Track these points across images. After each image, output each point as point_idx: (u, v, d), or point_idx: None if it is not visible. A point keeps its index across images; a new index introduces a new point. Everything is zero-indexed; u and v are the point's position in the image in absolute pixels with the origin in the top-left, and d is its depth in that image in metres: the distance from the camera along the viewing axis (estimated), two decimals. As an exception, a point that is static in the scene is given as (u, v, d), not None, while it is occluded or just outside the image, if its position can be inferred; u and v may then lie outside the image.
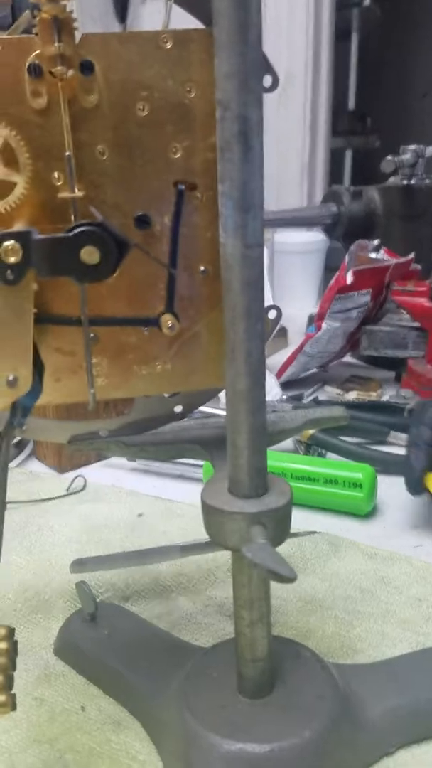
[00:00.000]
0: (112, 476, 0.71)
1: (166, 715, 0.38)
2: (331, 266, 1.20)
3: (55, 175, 0.30)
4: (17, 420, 0.29)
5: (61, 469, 0.72)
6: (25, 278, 0.26)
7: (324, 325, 0.83)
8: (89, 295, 0.31)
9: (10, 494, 0.66)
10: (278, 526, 0.32)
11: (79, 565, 0.54)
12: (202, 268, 0.33)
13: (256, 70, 0.26)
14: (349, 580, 0.53)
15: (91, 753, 0.38)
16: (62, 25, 0.28)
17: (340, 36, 1.99)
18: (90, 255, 0.26)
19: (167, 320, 0.33)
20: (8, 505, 0.64)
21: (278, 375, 0.89)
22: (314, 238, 1.22)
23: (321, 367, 0.93)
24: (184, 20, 0.31)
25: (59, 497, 0.66)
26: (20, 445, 0.77)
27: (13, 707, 0.30)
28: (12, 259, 0.25)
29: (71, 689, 0.43)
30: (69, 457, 0.73)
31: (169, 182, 0.31)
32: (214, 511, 0.32)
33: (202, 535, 0.58)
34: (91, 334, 0.33)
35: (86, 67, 0.28)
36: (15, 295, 0.27)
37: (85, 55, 0.29)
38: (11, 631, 0.33)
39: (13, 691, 0.30)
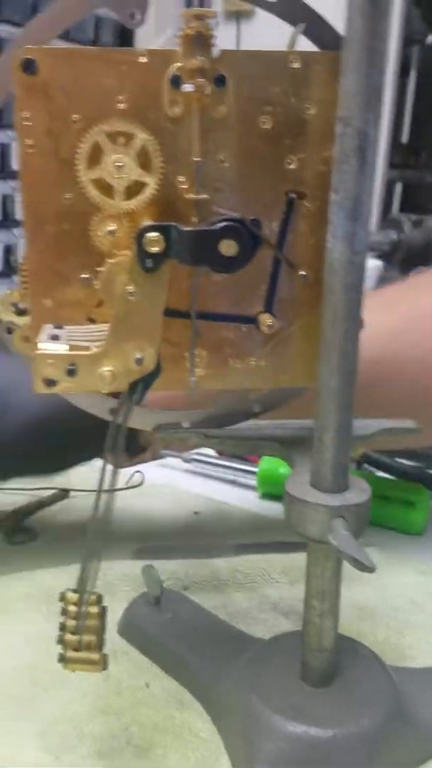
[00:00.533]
0: (168, 476, 0.73)
1: (228, 698, 0.40)
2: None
3: (181, 179, 0.33)
4: (138, 395, 0.31)
5: (121, 463, 0.74)
6: (163, 267, 0.29)
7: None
8: (198, 292, 0.34)
9: (74, 483, 0.69)
10: (358, 522, 0.34)
11: (139, 552, 0.56)
12: (302, 272, 0.35)
13: (378, 91, 0.29)
14: (400, 592, 0.54)
15: (155, 727, 0.40)
16: (203, 41, 0.31)
17: (399, 71, 2.03)
18: (228, 247, 0.29)
19: (266, 319, 0.35)
20: (72, 493, 0.67)
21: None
22: (369, 264, 1.24)
23: (372, 389, 0.95)
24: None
25: (119, 490, 0.68)
26: (81, 440, 0.79)
27: (105, 666, 0.32)
28: (154, 249, 0.28)
29: (135, 667, 0.45)
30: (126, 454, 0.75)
31: (282, 191, 0.34)
32: (298, 502, 0.34)
33: (257, 538, 0.60)
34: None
35: (220, 81, 0.31)
36: (152, 281, 0.29)
37: (220, 69, 0.31)
38: (100, 597, 0.35)
39: (104, 652, 0.33)
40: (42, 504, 0.65)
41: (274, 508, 0.66)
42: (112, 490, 0.69)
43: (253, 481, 0.70)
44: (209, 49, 0.31)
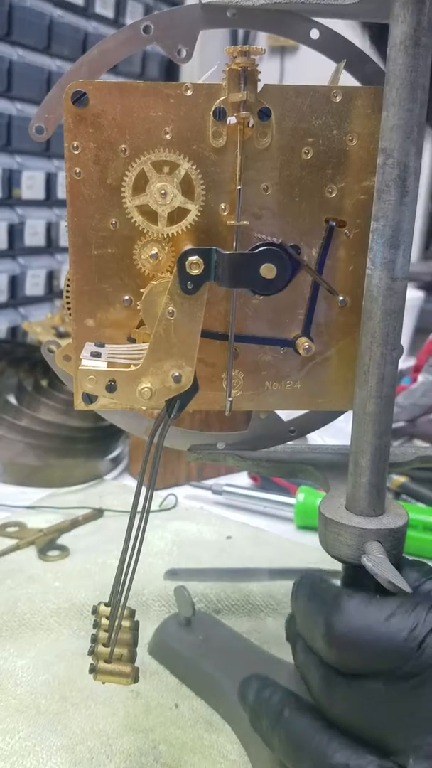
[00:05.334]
0: (200, 501, 0.73)
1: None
2: (423, 327, 1.21)
3: (222, 206, 0.34)
4: (174, 413, 0.32)
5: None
6: (202, 289, 0.30)
7: (420, 378, 0.85)
8: (236, 314, 0.35)
9: (107, 503, 0.70)
10: (394, 547, 0.34)
11: (172, 574, 0.56)
12: (341, 298, 0.36)
13: (419, 124, 0.30)
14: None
15: (183, 747, 0.40)
16: (248, 76, 0.32)
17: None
18: (268, 270, 0.30)
19: (303, 342, 0.36)
20: (105, 513, 0.68)
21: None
22: (409, 294, 1.24)
23: (409, 421, 0.94)
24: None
25: (153, 511, 0.69)
26: (116, 460, 0.80)
27: (135, 679, 0.33)
28: (195, 272, 0.29)
29: (165, 687, 0.45)
30: (160, 476, 0.76)
31: (322, 218, 0.35)
32: (333, 524, 0.34)
33: (289, 564, 0.60)
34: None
35: (264, 114, 0.32)
36: (191, 302, 0.30)
37: (265, 103, 0.33)
38: (133, 612, 0.35)
39: (136, 665, 0.33)
40: (76, 522, 0.66)
41: (310, 537, 0.66)
42: (146, 512, 0.70)
43: (288, 513, 0.70)
44: (254, 84, 0.32)
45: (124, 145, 0.33)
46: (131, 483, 0.77)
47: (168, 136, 0.33)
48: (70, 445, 0.78)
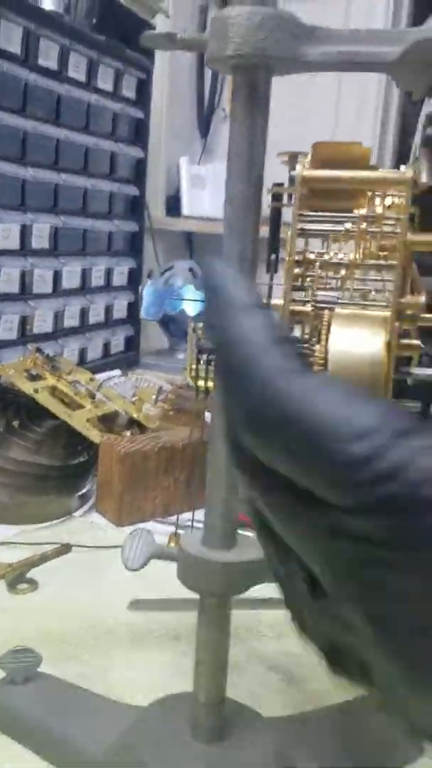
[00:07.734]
0: (166, 537, 0.77)
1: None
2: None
3: None
4: None
5: (120, 523, 0.78)
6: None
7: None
8: None
9: (75, 539, 0.73)
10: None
11: (136, 604, 0.60)
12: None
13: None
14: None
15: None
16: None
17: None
18: None
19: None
20: (74, 548, 0.71)
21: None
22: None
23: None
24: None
25: (120, 546, 0.72)
26: (84, 498, 0.84)
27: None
28: None
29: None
30: (127, 513, 0.79)
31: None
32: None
33: (248, 594, 0.63)
34: None
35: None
36: None
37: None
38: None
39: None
40: (45, 557, 0.69)
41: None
42: (114, 546, 0.72)
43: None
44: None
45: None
46: (99, 520, 0.80)
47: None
48: (41, 483, 0.80)
